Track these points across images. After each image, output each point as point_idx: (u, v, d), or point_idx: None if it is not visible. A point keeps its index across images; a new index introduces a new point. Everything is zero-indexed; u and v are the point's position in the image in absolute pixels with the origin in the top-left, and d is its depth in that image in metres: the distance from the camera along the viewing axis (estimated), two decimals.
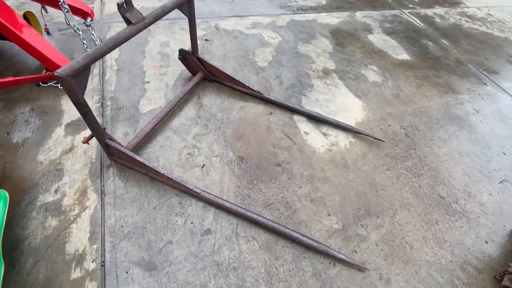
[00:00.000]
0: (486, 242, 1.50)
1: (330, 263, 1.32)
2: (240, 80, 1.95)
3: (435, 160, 1.85)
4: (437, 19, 3.46)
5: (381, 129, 1.99)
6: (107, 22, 2.43)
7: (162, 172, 1.39)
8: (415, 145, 1.92)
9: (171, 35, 2.42)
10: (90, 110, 1.20)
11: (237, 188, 1.52)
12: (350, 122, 1.98)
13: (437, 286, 1.31)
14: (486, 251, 1.46)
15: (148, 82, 1.99)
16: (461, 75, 2.62)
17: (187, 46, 1.97)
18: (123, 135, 1.66)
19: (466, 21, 3.55)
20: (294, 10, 3.09)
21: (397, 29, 3.10)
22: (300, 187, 1.58)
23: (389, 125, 2.02)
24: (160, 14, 1.39)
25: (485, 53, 2.98)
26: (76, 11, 2.05)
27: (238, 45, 2.46)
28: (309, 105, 2.06)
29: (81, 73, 1.08)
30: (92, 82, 1.90)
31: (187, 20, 1.67)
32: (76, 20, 1.94)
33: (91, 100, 1.80)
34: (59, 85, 1.83)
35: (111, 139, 1.40)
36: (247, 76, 2.19)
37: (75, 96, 1.10)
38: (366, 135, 1.87)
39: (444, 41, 3.06)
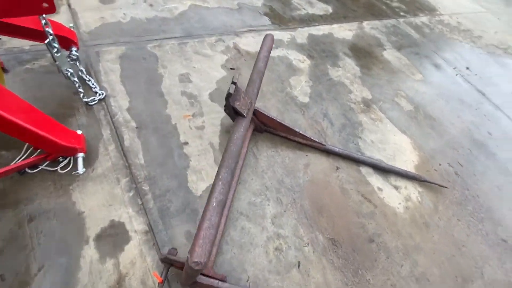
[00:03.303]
0: None
1: None
2: (300, 131, 1.62)
3: (485, 198, 1.91)
4: (426, 29, 3.56)
5: (436, 170, 1.94)
6: (91, 45, 1.69)
7: None
8: (466, 185, 1.94)
9: (187, 64, 1.84)
10: None
11: (345, 287, 1.27)
12: (410, 166, 1.88)
13: None
14: None
15: (186, 143, 1.47)
16: (467, 95, 2.75)
17: (213, 78, 1.53)
18: (185, 238, 1.19)
19: (447, 31, 3.75)
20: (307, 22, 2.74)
21: (403, 44, 3.06)
22: (402, 266, 1.42)
23: (440, 164, 1.99)
24: (258, 87, 0.96)
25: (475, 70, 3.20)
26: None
27: (269, 74, 2.04)
28: (367, 150, 1.87)
29: None
30: (109, 155, 1.31)
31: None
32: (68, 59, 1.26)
33: (118, 186, 1.24)
34: (58, 167, 1.19)
35: (203, 272, 0.96)
36: (295, 118, 1.85)
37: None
38: (431, 183, 1.80)
39: (441, 54, 3.17)
